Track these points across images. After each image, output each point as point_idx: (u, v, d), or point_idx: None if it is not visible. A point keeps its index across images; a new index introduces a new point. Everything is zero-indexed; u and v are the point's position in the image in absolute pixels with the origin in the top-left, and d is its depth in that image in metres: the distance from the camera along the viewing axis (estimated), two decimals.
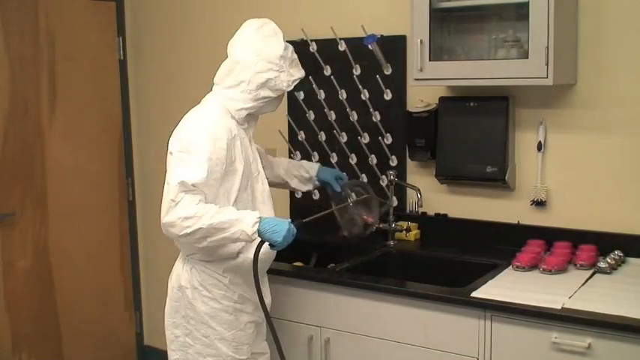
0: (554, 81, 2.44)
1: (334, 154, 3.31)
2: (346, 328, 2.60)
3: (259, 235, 2.28)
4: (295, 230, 2.34)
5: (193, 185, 2.25)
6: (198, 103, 2.52)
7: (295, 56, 2.48)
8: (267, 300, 2.58)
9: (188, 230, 2.24)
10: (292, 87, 2.45)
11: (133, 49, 4.00)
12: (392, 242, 3.00)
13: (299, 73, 2.48)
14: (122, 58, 3.98)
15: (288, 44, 2.46)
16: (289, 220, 2.35)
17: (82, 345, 3.87)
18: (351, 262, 2.83)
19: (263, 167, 2.60)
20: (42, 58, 3.59)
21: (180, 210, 2.24)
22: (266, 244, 2.32)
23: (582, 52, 2.68)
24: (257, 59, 2.39)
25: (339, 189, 2.88)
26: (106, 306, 4.00)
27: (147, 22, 3.93)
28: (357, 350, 2.58)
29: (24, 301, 3.59)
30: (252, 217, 2.28)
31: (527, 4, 2.45)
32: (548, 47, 2.41)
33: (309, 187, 2.92)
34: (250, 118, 2.49)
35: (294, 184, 2.89)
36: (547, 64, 2.42)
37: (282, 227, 2.30)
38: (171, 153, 2.36)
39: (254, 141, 2.54)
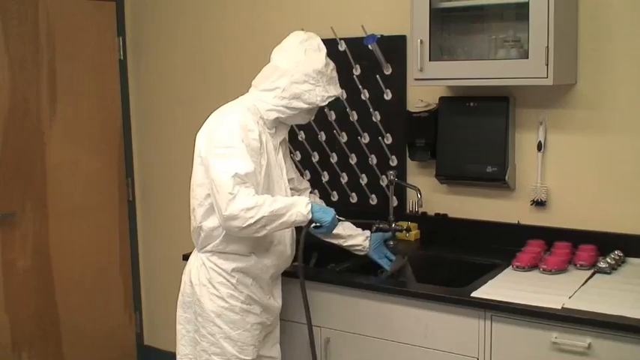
0: (554, 81, 2.44)
1: (334, 154, 3.30)
2: (346, 328, 2.60)
3: (312, 215, 2.40)
4: (337, 221, 2.51)
5: (246, 175, 2.30)
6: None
7: (335, 74, 2.53)
8: (277, 304, 2.58)
9: (251, 221, 2.29)
10: (326, 103, 2.49)
11: (133, 49, 4.00)
12: (392, 242, 2.99)
13: (335, 90, 2.52)
14: (122, 58, 3.97)
15: (330, 62, 2.51)
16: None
17: (82, 345, 3.87)
18: (351, 262, 2.83)
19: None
20: (42, 58, 3.59)
21: (241, 202, 2.28)
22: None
23: (582, 52, 2.68)
24: (295, 69, 2.43)
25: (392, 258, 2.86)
26: (106, 306, 4.00)
27: (147, 22, 3.93)
28: (357, 350, 2.58)
29: (24, 301, 3.59)
30: (303, 199, 2.43)
31: (527, 4, 2.45)
32: (548, 47, 2.41)
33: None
34: (279, 124, 2.52)
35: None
36: (547, 64, 2.42)
37: (331, 211, 2.49)
38: (206, 151, 2.38)
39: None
